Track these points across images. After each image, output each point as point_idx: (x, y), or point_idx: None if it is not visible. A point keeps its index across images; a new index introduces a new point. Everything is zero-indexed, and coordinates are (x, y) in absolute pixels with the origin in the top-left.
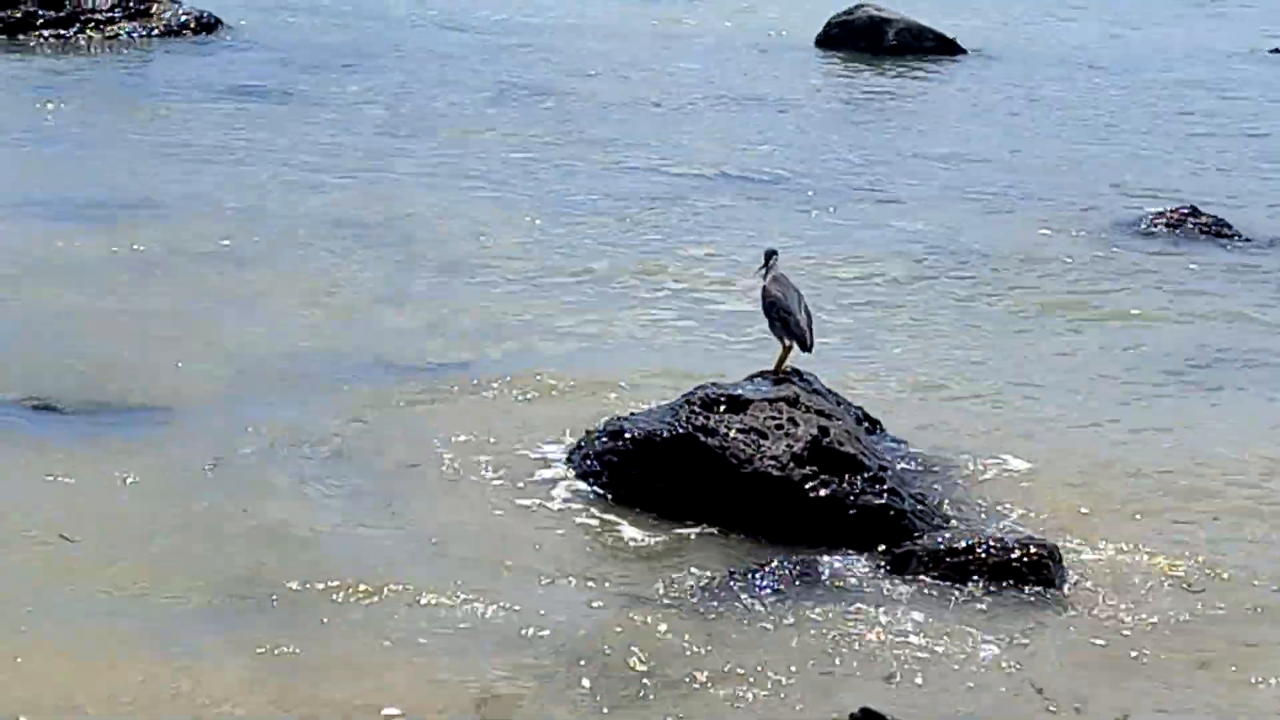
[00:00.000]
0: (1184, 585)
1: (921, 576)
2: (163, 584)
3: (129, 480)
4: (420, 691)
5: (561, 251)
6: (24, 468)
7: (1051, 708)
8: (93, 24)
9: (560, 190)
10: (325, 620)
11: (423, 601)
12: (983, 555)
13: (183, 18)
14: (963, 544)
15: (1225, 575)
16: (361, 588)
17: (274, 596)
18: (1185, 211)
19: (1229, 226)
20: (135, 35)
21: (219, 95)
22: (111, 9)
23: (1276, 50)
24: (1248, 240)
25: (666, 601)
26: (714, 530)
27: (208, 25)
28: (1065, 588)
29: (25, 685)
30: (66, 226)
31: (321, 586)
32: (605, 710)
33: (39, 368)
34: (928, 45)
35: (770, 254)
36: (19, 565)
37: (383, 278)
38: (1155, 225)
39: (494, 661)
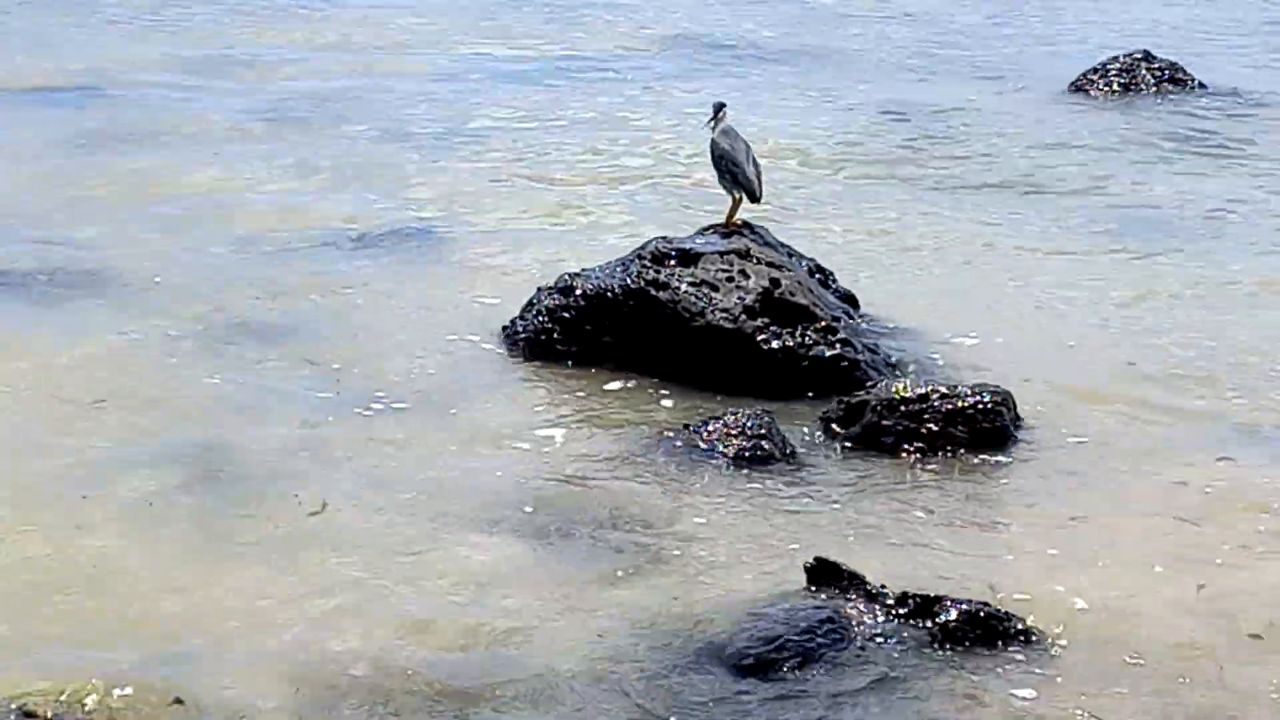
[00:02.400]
0: (1136, 442)
1: (875, 426)
2: (119, 458)
3: (88, 349)
4: (379, 557)
5: (508, 115)
6: None
7: (1007, 558)
8: None
9: (505, 53)
10: (282, 490)
11: (377, 462)
12: (936, 403)
13: None
14: (916, 392)
15: (1178, 434)
16: (313, 452)
17: (234, 471)
18: (1138, 56)
19: (1183, 71)
20: None
21: None
22: None
23: None
24: (1202, 86)
25: (620, 459)
26: (667, 385)
27: None
28: (1019, 440)
29: None
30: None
31: (278, 454)
32: (556, 568)
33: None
34: None
35: (719, 107)
36: None
37: (338, 151)
38: (1108, 73)
39: (445, 522)
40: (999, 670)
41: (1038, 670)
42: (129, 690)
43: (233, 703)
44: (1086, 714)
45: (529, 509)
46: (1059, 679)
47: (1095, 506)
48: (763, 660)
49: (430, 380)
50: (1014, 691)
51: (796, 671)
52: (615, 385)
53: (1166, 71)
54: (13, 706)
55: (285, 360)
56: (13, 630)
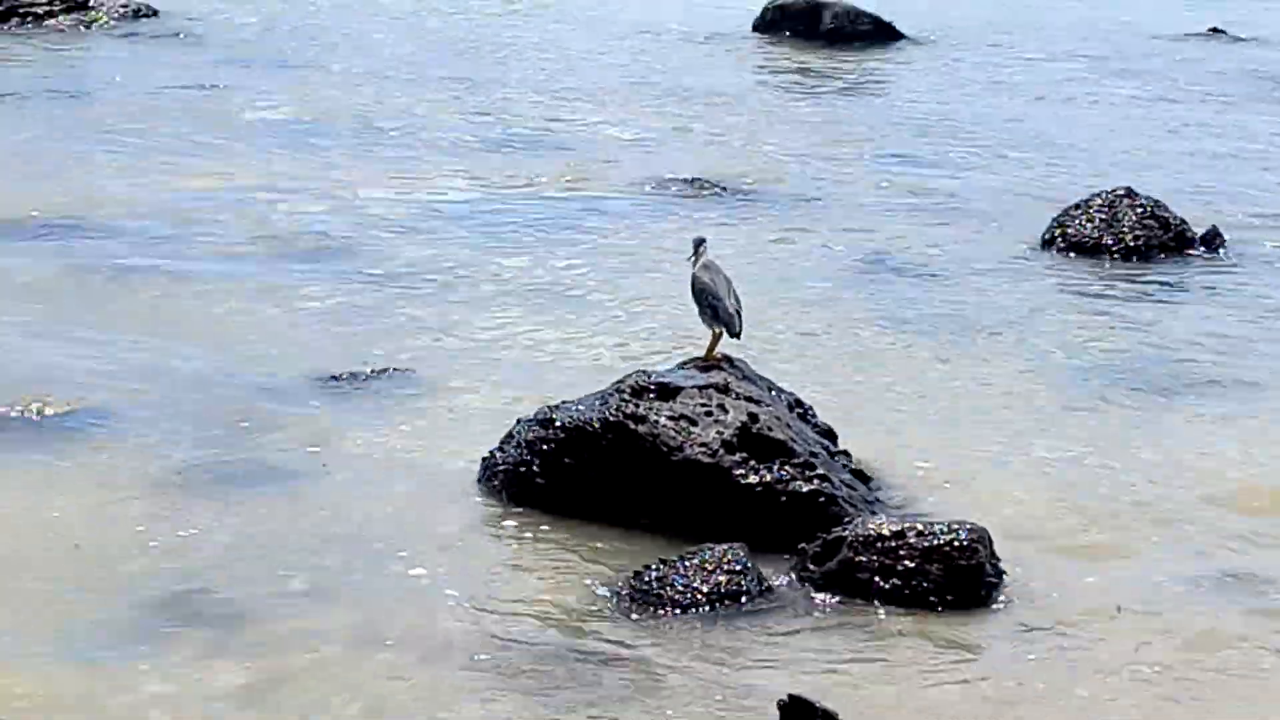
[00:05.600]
0: (1114, 589)
1: (851, 562)
2: (84, 597)
3: (54, 492)
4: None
5: (486, 254)
6: None
7: (979, 702)
8: (30, 17)
9: (478, 188)
10: (258, 635)
11: (348, 606)
12: (912, 540)
13: (121, 8)
14: (892, 529)
15: (1160, 581)
16: (288, 592)
17: (198, 611)
18: (1120, 194)
19: (1164, 207)
20: (74, 27)
21: (158, 90)
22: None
23: (1215, 30)
24: (1181, 223)
25: (592, 599)
26: (645, 520)
27: (146, 13)
28: (996, 581)
29: None
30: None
31: (250, 597)
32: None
33: None
34: (864, 29)
35: (699, 242)
36: None
37: (305, 287)
38: (1090, 209)
39: (417, 674)
40: None
41: None
42: None
43: None
44: None
45: (498, 657)
46: None
47: (1065, 659)
48: None
49: (405, 523)
50: None
51: None
52: (591, 522)
53: (1149, 208)
54: None
55: (264, 505)
56: None
